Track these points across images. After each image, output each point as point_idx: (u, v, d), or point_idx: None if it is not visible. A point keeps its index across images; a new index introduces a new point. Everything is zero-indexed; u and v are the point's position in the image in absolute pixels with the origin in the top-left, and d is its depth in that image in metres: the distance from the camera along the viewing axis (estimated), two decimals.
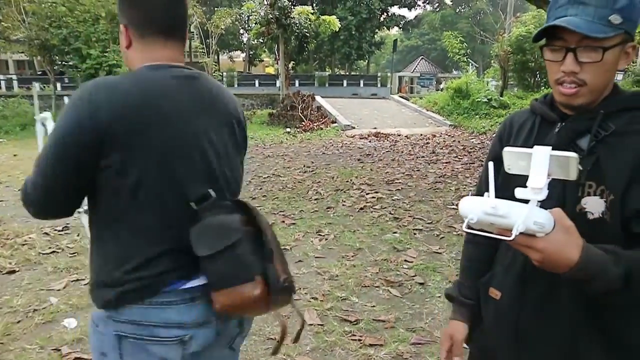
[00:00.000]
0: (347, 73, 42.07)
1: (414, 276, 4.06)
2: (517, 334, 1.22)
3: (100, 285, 1.28)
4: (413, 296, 3.72)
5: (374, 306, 3.54)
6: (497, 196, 0.98)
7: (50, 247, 4.77)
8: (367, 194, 7.05)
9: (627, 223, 1.07)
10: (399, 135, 14.66)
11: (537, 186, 0.93)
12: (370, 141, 13.69)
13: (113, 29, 18.87)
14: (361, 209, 6.24)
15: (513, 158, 1.03)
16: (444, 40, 22.61)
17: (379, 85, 33.06)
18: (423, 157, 10.55)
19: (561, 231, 0.95)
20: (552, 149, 1.03)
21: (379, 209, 6.21)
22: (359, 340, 3.06)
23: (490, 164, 1.03)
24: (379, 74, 35.91)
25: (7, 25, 19.74)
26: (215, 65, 23.97)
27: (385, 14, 42.88)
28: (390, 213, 5.97)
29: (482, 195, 1.03)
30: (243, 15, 23.27)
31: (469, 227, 0.99)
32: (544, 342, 1.18)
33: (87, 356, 2.87)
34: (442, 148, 11.98)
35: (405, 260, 4.42)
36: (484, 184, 1.32)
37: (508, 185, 1.05)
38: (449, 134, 15.14)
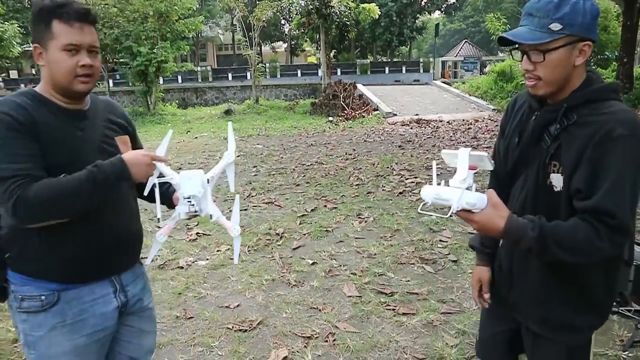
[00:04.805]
0: (389, 60, 41.69)
1: (447, 254, 4.31)
2: (511, 277, 1.57)
3: None
4: (446, 272, 3.97)
5: (408, 281, 3.82)
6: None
7: None
8: (406, 179, 7.29)
9: (571, 198, 1.33)
10: (441, 121, 14.70)
11: (461, 178, 1.28)
12: (411, 128, 13.81)
13: (160, 27, 19.69)
14: (400, 193, 6.49)
15: (448, 157, 1.35)
16: (487, 23, 22.20)
17: (421, 71, 32.65)
18: (464, 142, 10.63)
19: (491, 207, 1.28)
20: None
21: (418, 193, 6.43)
22: (393, 309, 3.35)
23: (434, 162, 1.33)
24: (421, 60, 35.31)
25: None
26: (258, 57, 24.51)
27: None
28: None
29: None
30: (284, 7, 23.60)
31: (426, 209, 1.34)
32: (525, 283, 1.52)
33: None
34: (483, 133, 11.99)
35: (440, 240, 4.66)
36: (496, 156, 1.62)
37: None
38: (491, 118, 15.04)
